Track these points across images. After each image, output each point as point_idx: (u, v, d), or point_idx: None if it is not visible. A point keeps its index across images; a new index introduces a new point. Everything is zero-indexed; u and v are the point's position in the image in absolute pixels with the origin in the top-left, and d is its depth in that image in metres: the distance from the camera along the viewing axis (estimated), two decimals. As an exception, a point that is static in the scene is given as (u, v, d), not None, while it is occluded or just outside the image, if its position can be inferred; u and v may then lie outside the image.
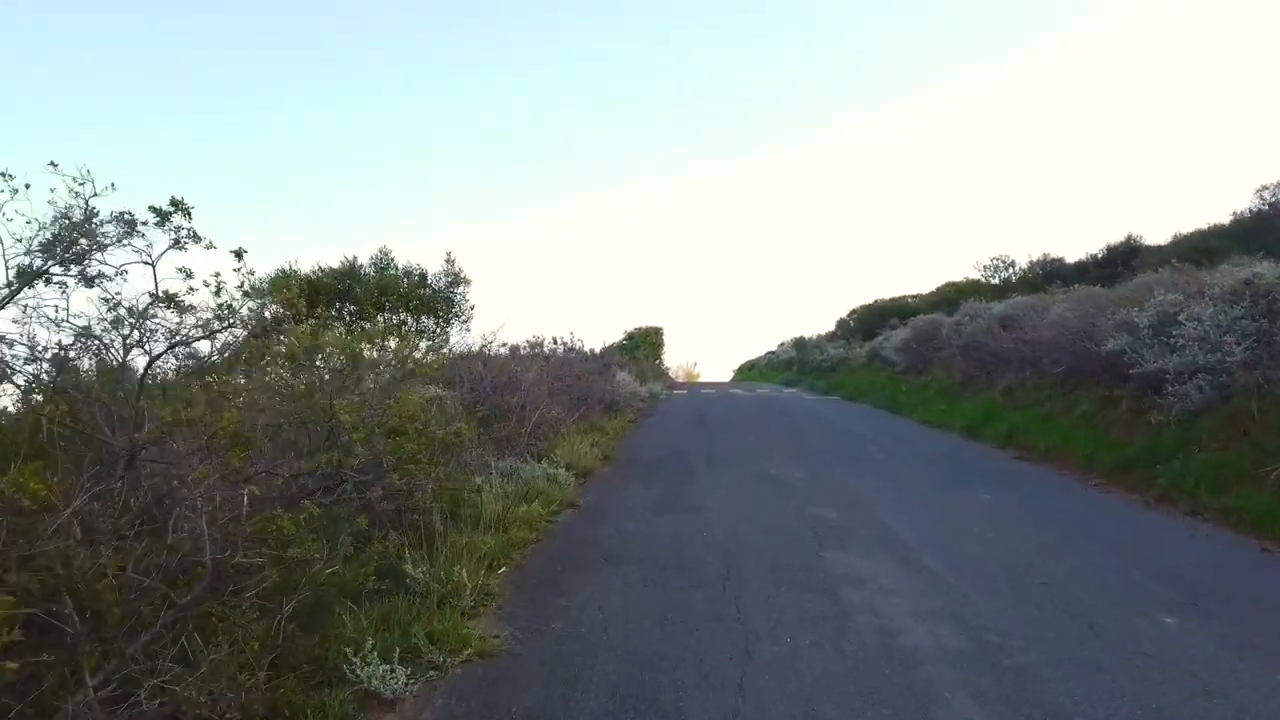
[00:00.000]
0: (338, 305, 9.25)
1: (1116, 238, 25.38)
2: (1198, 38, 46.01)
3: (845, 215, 60.42)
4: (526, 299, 49.98)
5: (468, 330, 10.30)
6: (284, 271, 9.33)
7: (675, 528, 5.71)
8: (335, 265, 9.68)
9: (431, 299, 9.59)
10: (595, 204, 58.45)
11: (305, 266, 9.80)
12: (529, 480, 6.86)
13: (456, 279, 10.30)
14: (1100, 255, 25.70)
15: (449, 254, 10.09)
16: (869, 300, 34.52)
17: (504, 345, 12.83)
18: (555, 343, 15.03)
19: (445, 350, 8.96)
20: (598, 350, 18.85)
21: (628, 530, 5.72)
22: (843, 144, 55.81)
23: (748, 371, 43.00)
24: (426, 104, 48.02)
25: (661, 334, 34.28)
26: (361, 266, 10.01)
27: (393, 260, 10.28)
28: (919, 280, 71.78)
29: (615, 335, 33.03)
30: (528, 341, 14.44)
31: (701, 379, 39.61)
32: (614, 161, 55.04)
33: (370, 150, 47.43)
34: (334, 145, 46.95)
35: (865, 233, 60.88)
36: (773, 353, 39.42)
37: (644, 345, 32.16)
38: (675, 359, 38.76)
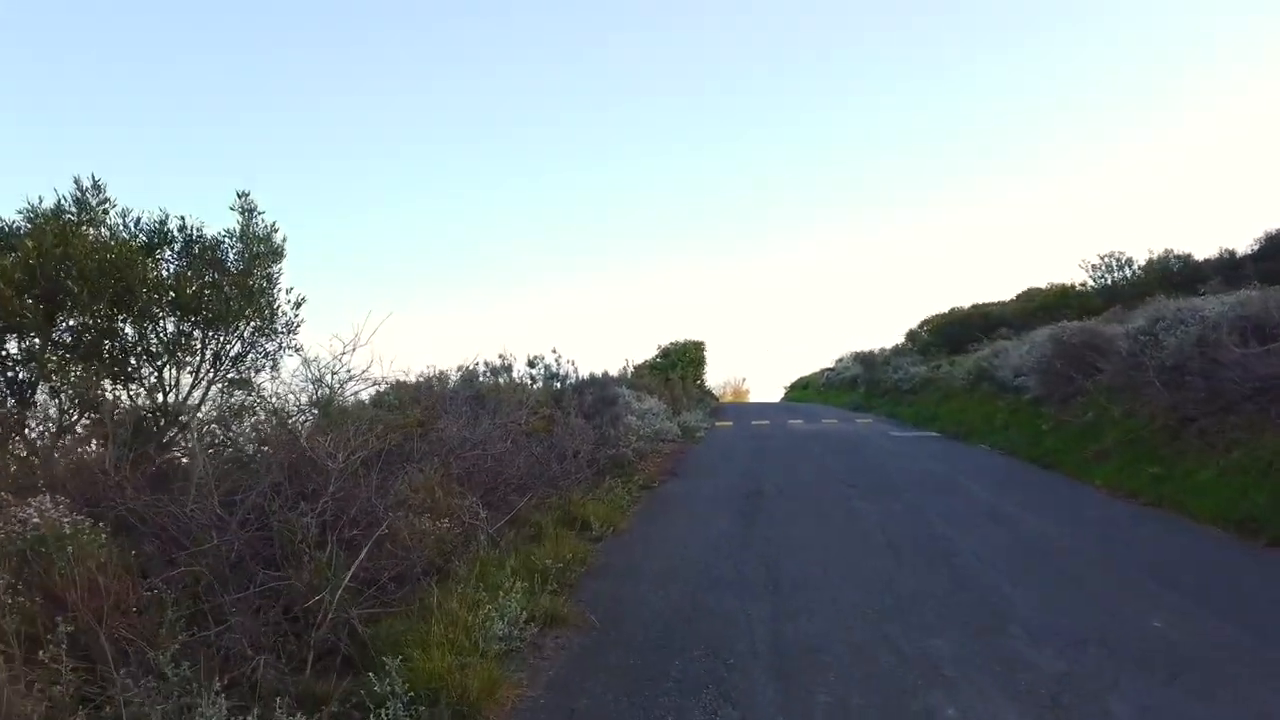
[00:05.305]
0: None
1: (1273, 226, 19.97)
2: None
3: (899, 216, 54.19)
4: (552, 317, 45.87)
5: (295, 351, 5.39)
6: None
7: None
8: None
9: (210, 290, 4.56)
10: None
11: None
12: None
13: (262, 247, 4.82)
14: (1258, 247, 20.36)
15: (242, 194, 4.85)
16: (943, 309, 29.28)
17: (439, 375, 8.20)
18: (532, 366, 10.40)
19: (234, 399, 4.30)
20: (612, 374, 14.15)
21: None
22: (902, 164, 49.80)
23: (801, 390, 37.90)
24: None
25: (703, 349, 29.64)
26: (66, 217, 4.47)
27: (107, 205, 4.67)
28: (986, 286, 65.43)
29: (649, 351, 28.59)
30: (487, 365, 9.86)
31: (750, 398, 35.22)
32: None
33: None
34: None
35: (922, 234, 54.38)
36: (831, 369, 33.99)
37: (681, 363, 27.43)
38: (719, 376, 34.42)
